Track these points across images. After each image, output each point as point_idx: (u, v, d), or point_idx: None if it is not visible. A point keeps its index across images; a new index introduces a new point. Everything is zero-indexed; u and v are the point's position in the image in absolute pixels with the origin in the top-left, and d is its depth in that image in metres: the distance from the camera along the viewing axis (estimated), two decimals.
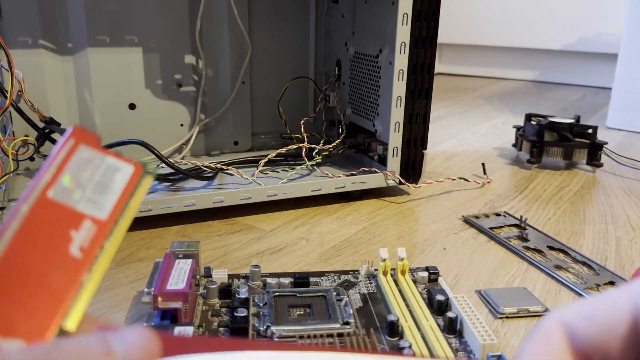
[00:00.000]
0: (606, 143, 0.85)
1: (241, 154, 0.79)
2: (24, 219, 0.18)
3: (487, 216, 0.64)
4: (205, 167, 0.64)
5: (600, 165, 0.84)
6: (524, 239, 0.58)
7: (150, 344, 0.16)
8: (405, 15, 0.62)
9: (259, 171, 0.66)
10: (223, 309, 0.42)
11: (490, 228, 0.60)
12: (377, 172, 0.68)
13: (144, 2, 0.70)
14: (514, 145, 0.92)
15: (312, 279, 0.47)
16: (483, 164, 0.80)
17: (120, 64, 0.71)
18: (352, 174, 0.68)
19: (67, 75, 0.69)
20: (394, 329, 0.39)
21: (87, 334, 0.16)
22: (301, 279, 0.46)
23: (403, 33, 0.63)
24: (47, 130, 0.61)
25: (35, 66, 0.66)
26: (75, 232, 0.18)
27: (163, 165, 0.62)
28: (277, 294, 0.43)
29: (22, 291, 0.17)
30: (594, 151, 0.83)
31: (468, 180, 0.75)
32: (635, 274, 0.33)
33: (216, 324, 0.40)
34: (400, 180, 0.68)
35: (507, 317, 0.43)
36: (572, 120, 0.88)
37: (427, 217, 0.64)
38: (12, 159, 0.53)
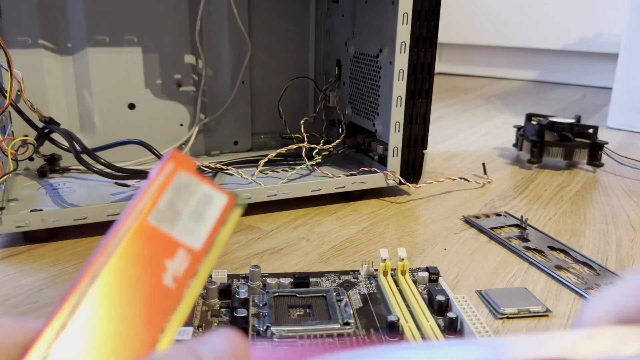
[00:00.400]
0: (607, 143, 0.84)
1: (241, 153, 0.79)
2: (122, 243, 0.17)
3: (487, 216, 0.64)
4: (205, 167, 0.64)
5: (601, 165, 0.83)
6: (524, 239, 0.58)
7: (238, 344, 0.16)
8: (405, 14, 0.62)
9: (259, 171, 0.66)
10: (223, 310, 0.42)
11: (491, 228, 0.60)
12: (377, 172, 0.67)
13: (143, 1, 0.70)
14: (515, 145, 0.92)
15: (312, 279, 0.47)
16: (483, 164, 0.80)
17: (120, 63, 0.71)
18: (352, 174, 0.68)
19: (66, 75, 0.69)
20: (394, 330, 0.39)
21: (176, 346, 0.16)
22: (301, 279, 0.46)
23: (403, 33, 0.63)
24: (46, 130, 0.61)
25: (35, 66, 0.66)
26: (170, 262, 0.17)
27: None
28: (277, 294, 0.43)
29: (112, 322, 0.16)
30: (595, 151, 0.83)
31: (468, 180, 0.75)
32: None
33: (216, 324, 0.40)
34: (400, 180, 0.68)
35: (507, 318, 0.43)
36: (572, 120, 0.87)
37: (428, 217, 0.64)
38: (12, 159, 0.53)
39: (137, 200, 0.17)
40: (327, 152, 0.71)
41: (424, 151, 0.69)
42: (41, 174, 0.66)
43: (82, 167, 0.57)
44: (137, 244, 0.17)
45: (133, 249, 0.17)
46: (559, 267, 0.51)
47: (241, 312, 0.39)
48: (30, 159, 0.66)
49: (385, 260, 0.46)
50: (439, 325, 0.40)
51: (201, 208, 0.18)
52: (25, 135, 0.62)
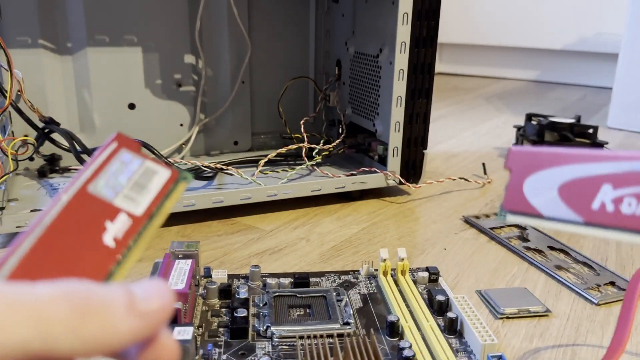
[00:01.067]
0: (607, 143, 0.84)
1: (241, 154, 0.79)
2: (63, 207, 0.19)
3: (487, 216, 0.64)
4: (205, 167, 0.64)
5: None
6: (524, 239, 0.58)
7: (163, 287, 0.18)
8: (405, 14, 0.62)
9: (259, 171, 0.66)
10: (223, 310, 0.42)
11: (491, 228, 0.60)
12: (377, 172, 0.67)
13: (143, 1, 0.70)
14: (515, 145, 0.92)
15: (312, 279, 0.47)
16: (483, 164, 0.80)
17: (120, 63, 0.71)
18: (352, 174, 0.68)
19: (66, 75, 0.69)
20: (394, 330, 0.39)
21: (111, 284, 0.18)
22: (301, 279, 0.46)
23: (403, 32, 0.63)
24: (46, 130, 0.61)
25: (35, 66, 0.66)
26: (110, 223, 0.19)
27: None
28: (277, 294, 0.43)
29: (53, 274, 0.18)
30: None
31: (468, 180, 0.75)
32: (635, 274, 0.33)
33: (216, 324, 0.40)
34: (400, 180, 0.68)
35: (507, 318, 0.43)
36: (572, 120, 0.88)
37: (428, 217, 0.64)
38: (12, 159, 0.53)
39: (80, 174, 0.20)
40: (327, 152, 0.71)
41: (424, 151, 0.69)
42: (41, 174, 0.66)
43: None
44: (76, 208, 0.19)
45: (72, 212, 0.19)
46: (559, 267, 0.51)
47: (241, 312, 0.39)
48: (30, 159, 0.66)
49: (385, 260, 0.46)
50: (439, 325, 0.40)
51: (144, 180, 0.20)
52: (25, 135, 0.62)
